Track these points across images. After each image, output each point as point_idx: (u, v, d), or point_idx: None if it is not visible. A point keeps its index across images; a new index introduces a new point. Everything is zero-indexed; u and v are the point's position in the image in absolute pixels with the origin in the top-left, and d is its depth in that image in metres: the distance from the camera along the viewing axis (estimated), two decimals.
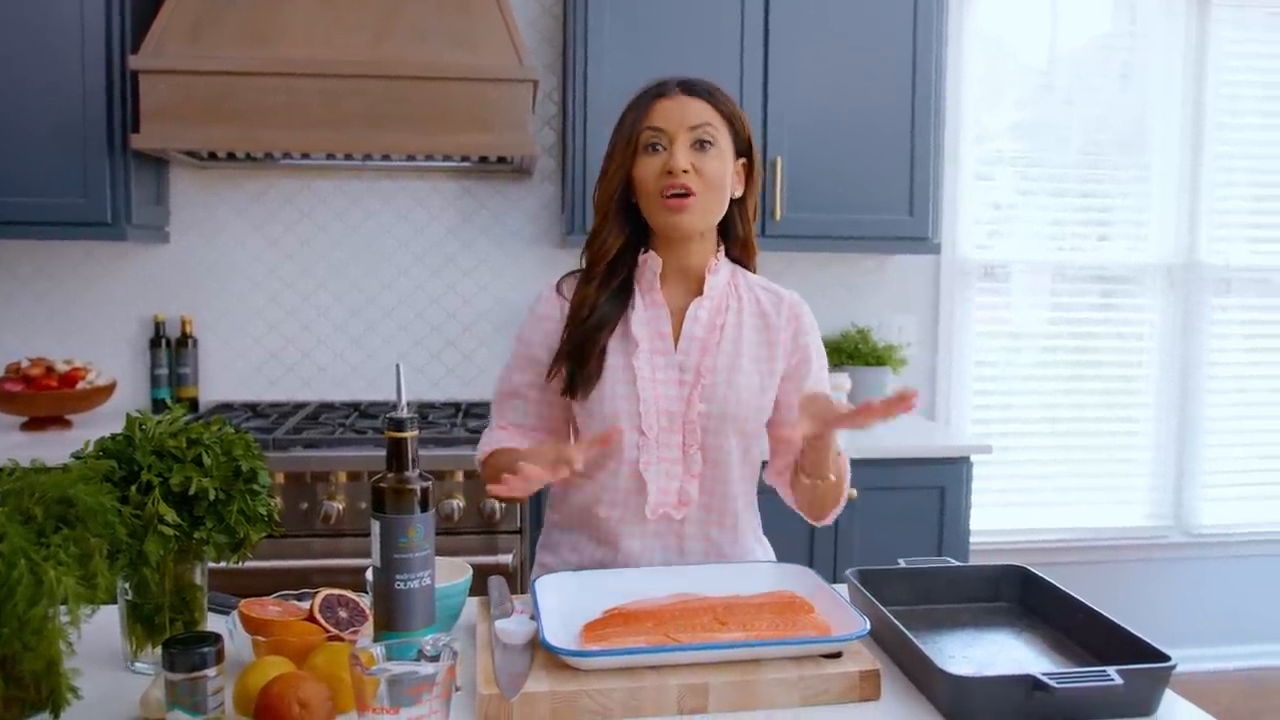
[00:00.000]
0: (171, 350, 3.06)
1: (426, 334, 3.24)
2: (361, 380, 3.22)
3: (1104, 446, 3.71)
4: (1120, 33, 3.64)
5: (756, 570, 1.49)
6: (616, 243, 1.56)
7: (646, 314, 1.57)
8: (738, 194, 1.59)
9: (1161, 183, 3.65)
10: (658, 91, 1.54)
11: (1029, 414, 3.66)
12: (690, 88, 1.54)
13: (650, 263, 1.57)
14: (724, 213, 1.58)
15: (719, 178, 1.52)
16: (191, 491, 1.21)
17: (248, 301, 3.16)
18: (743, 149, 1.58)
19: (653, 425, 1.54)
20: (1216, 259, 3.68)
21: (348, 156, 2.91)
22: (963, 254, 3.52)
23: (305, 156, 2.96)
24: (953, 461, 2.84)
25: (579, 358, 1.55)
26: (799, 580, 1.41)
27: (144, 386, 3.11)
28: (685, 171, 1.48)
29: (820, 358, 1.66)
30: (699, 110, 1.51)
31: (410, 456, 1.17)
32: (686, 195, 1.49)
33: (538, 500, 2.57)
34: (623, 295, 1.58)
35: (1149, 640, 1.22)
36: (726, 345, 1.57)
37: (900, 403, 1.25)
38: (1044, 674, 1.11)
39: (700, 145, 1.50)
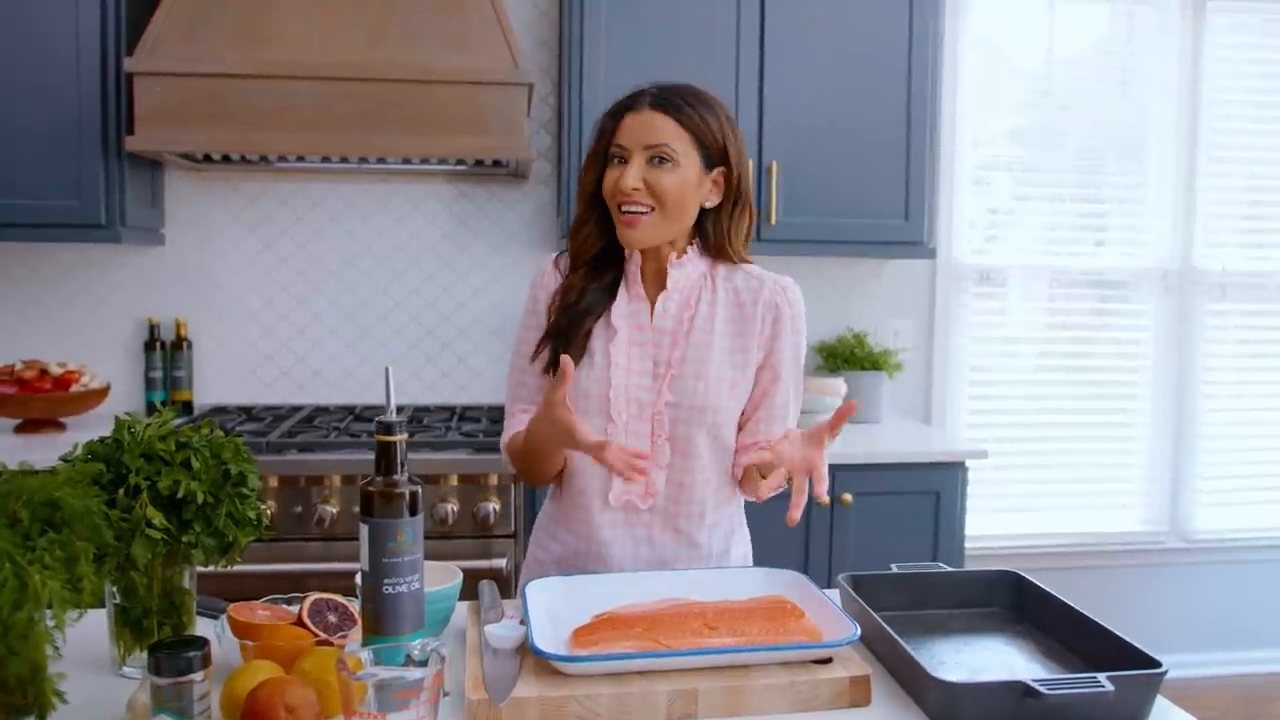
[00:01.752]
0: (166, 353, 3.06)
1: (421, 337, 3.24)
2: (356, 384, 3.21)
3: (1100, 451, 3.71)
4: (1118, 38, 3.64)
5: (747, 575, 1.48)
6: (597, 241, 1.63)
7: (629, 306, 1.63)
8: (711, 204, 1.61)
9: (1157, 188, 3.65)
10: (628, 104, 1.58)
11: (1025, 419, 3.65)
12: (661, 102, 1.56)
13: (636, 256, 1.63)
14: (687, 224, 1.60)
15: (673, 192, 1.55)
16: (180, 495, 1.21)
17: (243, 304, 3.16)
18: (716, 160, 1.59)
19: (621, 412, 1.58)
20: (1212, 264, 3.68)
21: (343, 159, 2.91)
22: (958, 259, 3.52)
23: (300, 159, 2.95)
24: (948, 466, 2.83)
25: (564, 339, 1.61)
26: (790, 585, 1.41)
27: (138, 389, 3.10)
28: (636, 189, 1.53)
29: (794, 364, 1.65)
30: (659, 129, 1.54)
31: (399, 460, 1.17)
32: (640, 213, 1.54)
33: (531, 504, 2.57)
34: (612, 286, 1.64)
35: (1141, 647, 1.21)
36: (697, 336, 1.60)
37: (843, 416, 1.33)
38: (1035, 680, 1.10)
39: (658, 161, 1.54)
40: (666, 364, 1.59)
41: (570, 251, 1.67)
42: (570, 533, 1.66)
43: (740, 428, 1.66)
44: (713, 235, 1.64)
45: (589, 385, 1.59)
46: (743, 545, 1.75)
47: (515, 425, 1.67)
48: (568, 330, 1.61)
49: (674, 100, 1.56)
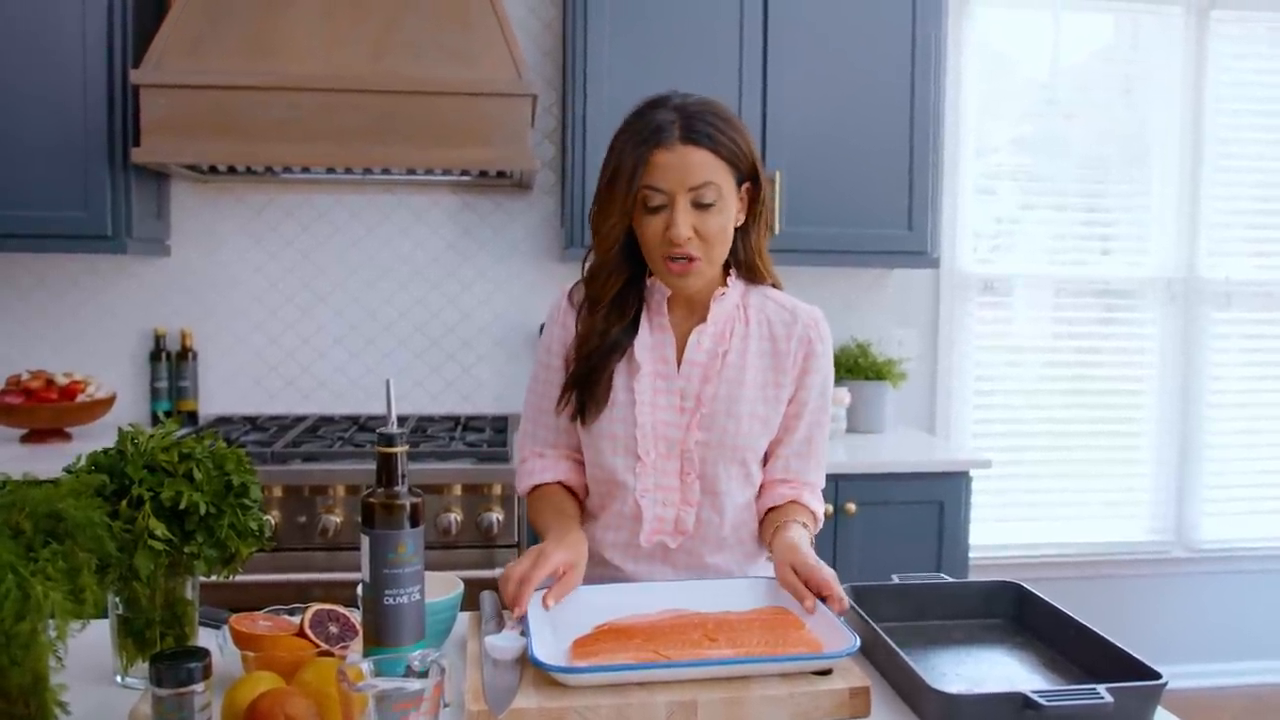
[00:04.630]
0: (172, 363, 3.07)
1: (426, 348, 3.24)
2: (361, 394, 3.22)
3: (1105, 461, 3.70)
4: (1122, 46, 3.65)
5: (749, 586, 1.48)
6: (619, 281, 1.55)
7: (652, 338, 1.56)
8: (739, 222, 1.53)
9: (1161, 197, 3.65)
10: (656, 140, 1.44)
11: (1030, 428, 3.65)
12: (690, 133, 1.44)
13: (660, 287, 1.56)
14: (728, 250, 1.54)
15: (719, 232, 1.48)
16: (182, 506, 1.21)
17: (248, 315, 3.17)
18: (745, 177, 1.51)
19: (649, 451, 1.53)
20: (1216, 273, 3.67)
21: (348, 170, 2.92)
22: (962, 268, 3.52)
23: (305, 170, 2.97)
24: (952, 476, 2.83)
25: (588, 384, 1.55)
26: (791, 596, 1.41)
27: (144, 399, 3.11)
28: (690, 239, 1.45)
29: (820, 398, 1.60)
30: (699, 166, 1.44)
31: (400, 471, 1.17)
32: (690, 260, 1.47)
33: None
34: (632, 322, 1.56)
35: (1142, 658, 1.21)
36: (730, 373, 1.55)
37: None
38: (1034, 692, 1.10)
39: (702, 206, 1.45)
40: (696, 399, 1.54)
41: (588, 296, 1.58)
42: (592, 563, 1.55)
43: (765, 460, 1.61)
44: (744, 254, 1.58)
45: (614, 425, 1.54)
46: (765, 571, 1.68)
47: (533, 472, 1.63)
48: (590, 376, 1.55)
49: (702, 129, 1.45)
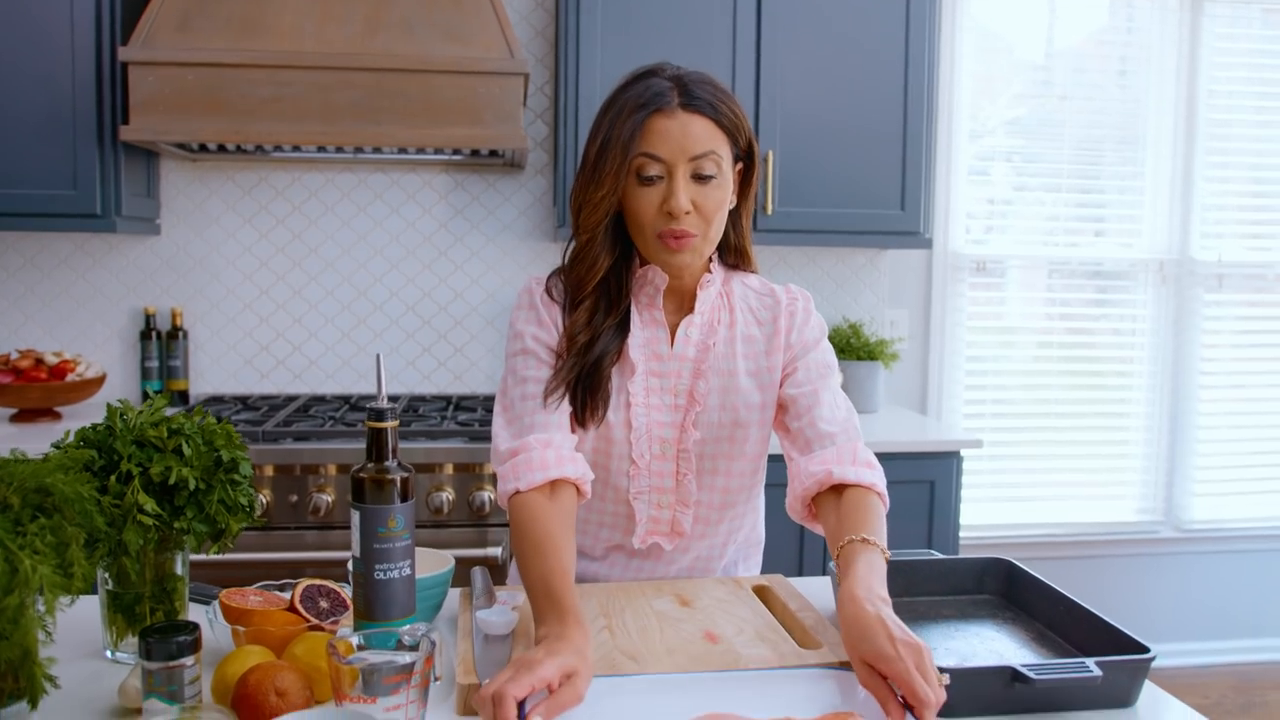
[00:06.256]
0: (162, 343, 3.06)
1: (418, 327, 3.24)
2: (352, 373, 3.21)
3: (1096, 441, 3.72)
4: (1117, 28, 3.64)
5: (817, 681, 1.15)
6: (606, 263, 1.44)
7: (644, 334, 1.47)
8: (731, 204, 1.45)
9: (1155, 178, 3.65)
10: (655, 105, 1.35)
11: (1021, 409, 3.66)
12: (690, 100, 1.36)
13: (655, 278, 1.46)
14: (723, 230, 1.45)
15: (719, 208, 1.39)
16: (171, 481, 1.21)
17: (239, 294, 3.16)
18: (740, 155, 1.44)
19: (644, 453, 1.47)
20: (1209, 255, 3.68)
21: (339, 149, 2.91)
22: (955, 249, 3.52)
23: (296, 149, 2.95)
24: (943, 456, 2.83)
25: (589, 389, 1.43)
26: (867, 701, 1.08)
27: (134, 379, 3.10)
28: (688, 213, 1.36)
29: (821, 367, 1.50)
30: (700, 134, 1.36)
31: (390, 446, 1.16)
32: (687, 235, 1.38)
33: None
34: (622, 319, 1.46)
35: (1130, 633, 1.21)
36: (720, 364, 1.48)
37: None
38: (1023, 665, 1.10)
39: (701, 179, 1.37)
40: (689, 396, 1.47)
41: (571, 281, 1.46)
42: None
43: (789, 431, 1.49)
44: (735, 238, 1.51)
45: (608, 429, 1.45)
46: (756, 555, 1.65)
47: (546, 464, 1.35)
48: (588, 381, 1.42)
49: (702, 96, 1.37)
